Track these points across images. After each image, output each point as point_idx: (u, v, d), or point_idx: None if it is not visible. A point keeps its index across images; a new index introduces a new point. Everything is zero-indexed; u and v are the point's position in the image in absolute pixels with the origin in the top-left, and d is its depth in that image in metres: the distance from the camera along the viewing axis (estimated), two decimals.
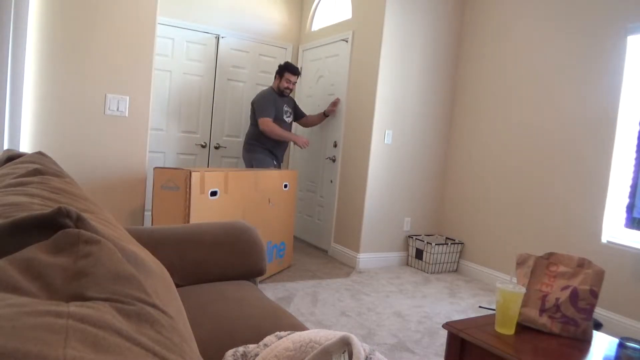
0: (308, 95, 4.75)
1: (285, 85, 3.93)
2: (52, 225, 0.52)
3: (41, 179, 0.84)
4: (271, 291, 3.11)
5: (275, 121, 3.90)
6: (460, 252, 4.04)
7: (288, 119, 4.05)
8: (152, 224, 2.80)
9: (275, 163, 4.06)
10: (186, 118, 4.46)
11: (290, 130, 4.08)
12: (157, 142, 4.32)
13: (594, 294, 1.51)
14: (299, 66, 4.93)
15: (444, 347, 2.43)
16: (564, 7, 3.31)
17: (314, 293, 3.15)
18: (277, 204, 3.43)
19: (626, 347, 1.32)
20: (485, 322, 1.59)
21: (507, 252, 3.66)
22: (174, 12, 4.27)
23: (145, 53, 2.72)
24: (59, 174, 0.92)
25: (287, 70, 3.92)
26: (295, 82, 4.01)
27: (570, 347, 1.46)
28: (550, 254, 1.65)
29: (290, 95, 4.17)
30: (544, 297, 1.58)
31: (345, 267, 3.88)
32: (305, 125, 4.42)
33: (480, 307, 3.17)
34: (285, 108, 4.02)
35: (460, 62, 4.16)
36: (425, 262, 3.91)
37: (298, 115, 4.28)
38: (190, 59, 4.42)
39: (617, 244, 2.90)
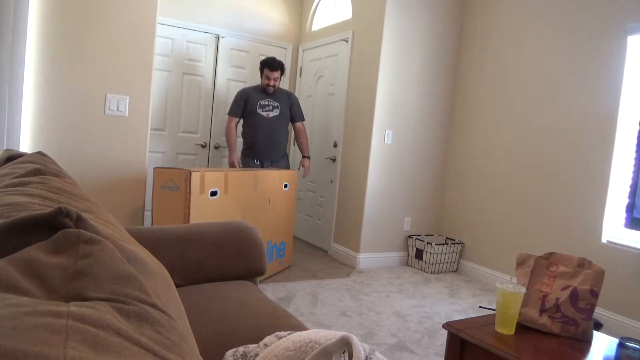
0: (308, 95, 4.75)
1: (266, 82, 3.63)
2: (52, 225, 0.52)
3: (41, 179, 0.84)
4: (271, 291, 3.11)
5: (248, 115, 3.69)
6: (460, 252, 4.04)
7: (266, 113, 3.69)
8: (152, 224, 2.80)
9: (257, 163, 3.77)
10: (186, 118, 4.46)
11: (271, 125, 3.70)
12: (157, 142, 4.32)
13: (594, 294, 1.51)
14: (299, 66, 4.93)
15: (444, 347, 2.44)
16: (564, 7, 3.30)
17: (314, 293, 3.15)
18: (277, 204, 3.43)
19: (626, 347, 1.32)
20: (485, 322, 1.59)
21: (507, 252, 3.66)
22: (174, 12, 4.27)
23: (145, 53, 2.72)
24: (59, 174, 0.92)
25: (265, 66, 3.62)
26: (277, 78, 3.64)
27: (570, 347, 1.46)
28: (550, 254, 1.65)
29: (293, 93, 4.01)
30: (544, 297, 1.58)
31: (345, 267, 3.88)
32: (295, 136, 3.95)
33: (480, 307, 3.17)
34: (264, 102, 3.69)
35: (461, 62, 4.16)
36: (425, 262, 3.91)
37: (292, 117, 3.86)
38: (190, 59, 4.42)
39: (617, 244, 2.90)
